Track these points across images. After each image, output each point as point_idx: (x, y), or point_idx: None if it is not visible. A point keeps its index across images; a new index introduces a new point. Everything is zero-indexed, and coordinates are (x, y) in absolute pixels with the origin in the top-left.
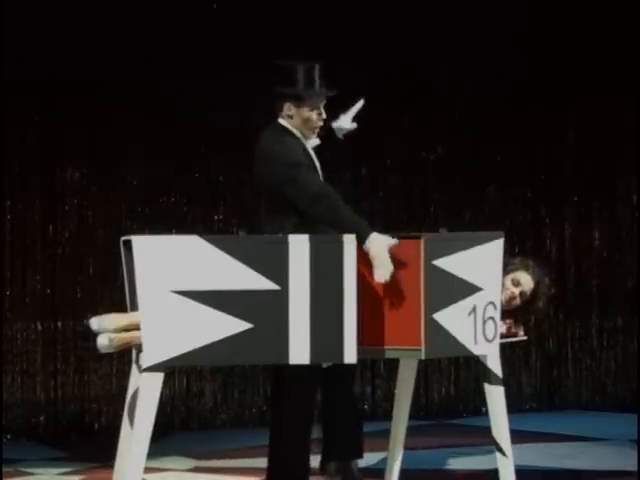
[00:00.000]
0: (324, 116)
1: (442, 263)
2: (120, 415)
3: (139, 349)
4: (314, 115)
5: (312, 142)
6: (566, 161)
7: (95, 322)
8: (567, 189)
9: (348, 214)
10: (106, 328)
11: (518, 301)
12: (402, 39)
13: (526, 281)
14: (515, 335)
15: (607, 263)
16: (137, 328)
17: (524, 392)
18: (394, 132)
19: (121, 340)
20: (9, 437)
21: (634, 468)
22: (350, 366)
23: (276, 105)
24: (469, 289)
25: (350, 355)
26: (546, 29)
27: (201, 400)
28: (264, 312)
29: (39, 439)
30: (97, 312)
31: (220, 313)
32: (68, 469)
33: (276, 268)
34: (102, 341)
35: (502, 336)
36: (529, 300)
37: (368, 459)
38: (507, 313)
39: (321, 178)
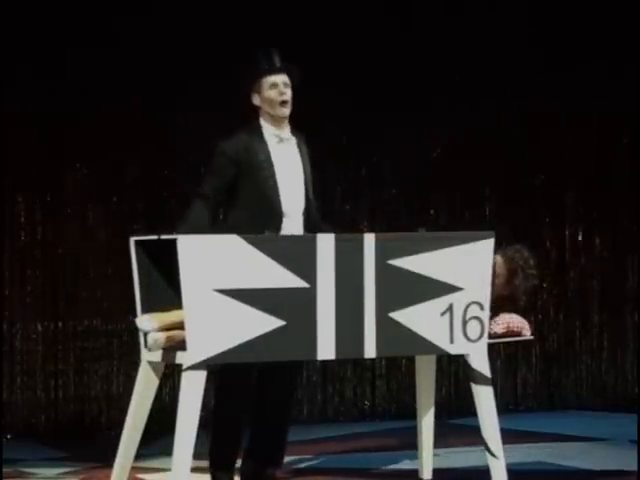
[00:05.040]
0: (283, 90)
1: (403, 263)
2: (120, 415)
3: (180, 347)
4: (273, 93)
5: (281, 133)
6: (566, 161)
7: (143, 321)
8: (567, 189)
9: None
10: (154, 327)
11: (496, 281)
12: (403, 39)
13: (498, 264)
14: (519, 334)
15: (607, 263)
16: (178, 327)
17: (524, 392)
18: (394, 131)
19: (168, 339)
20: (9, 437)
21: (634, 468)
22: (292, 373)
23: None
24: (443, 289)
25: (370, 350)
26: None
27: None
28: (295, 309)
29: (39, 439)
30: (97, 312)
31: (257, 311)
32: (68, 469)
33: (306, 266)
34: (154, 340)
35: (500, 336)
36: (507, 280)
37: (368, 459)
38: (501, 310)
39: (274, 169)
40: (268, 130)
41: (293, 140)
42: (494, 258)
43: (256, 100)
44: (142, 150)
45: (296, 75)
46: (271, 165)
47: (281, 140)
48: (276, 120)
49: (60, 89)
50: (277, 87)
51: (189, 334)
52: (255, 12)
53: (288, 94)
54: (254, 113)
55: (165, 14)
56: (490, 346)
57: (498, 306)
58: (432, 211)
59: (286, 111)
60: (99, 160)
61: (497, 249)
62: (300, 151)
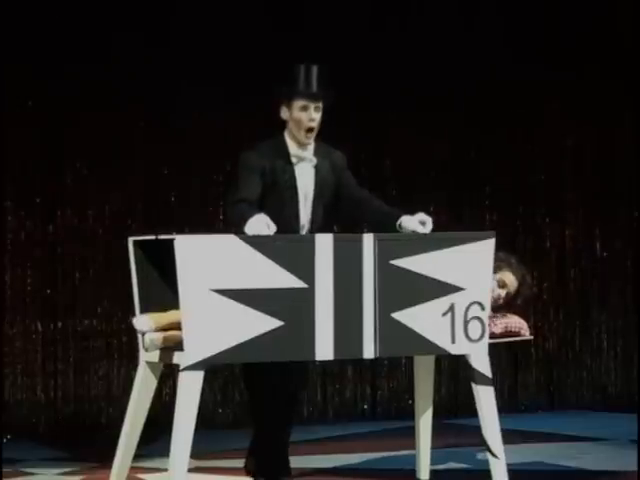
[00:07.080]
0: (313, 117)
1: (403, 263)
2: (120, 415)
3: (178, 348)
4: (303, 116)
5: (302, 153)
6: (566, 161)
7: (139, 322)
8: (567, 189)
9: (239, 211)
10: (151, 327)
11: (503, 300)
12: (402, 39)
13: (511, 282)
14: (518, 334)
15: (607, 263)
16: (175, 327)
17: (524, 392)
18: (394, 132)
19: (165, 339)
20: (9, 437)
21: (634, 468)
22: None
23: (278, 110)
24: (444, 289)
25: (369, 351)
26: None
27: (201, 400)
28: (293, 309)
29: (39, 439)
30: (97, 312)
31: (254, 311)
32: (68, 469)
33: (304, 267)
34: (151, 341)
35: (499, 336)
36: (511, 297)
37: (368, 459)
38: (499, 311)
39: (294, 186)
40: (292, 148)
41: (313, 161)
42: (507, 276)
43: (284, 114)
44: (142, 150)
45: (331, 98)
46: (294, 184)
47: (301, 160)
48: (299, 141)
49: (60, 89)
50: (307, 111)
51: (186, 334)
52: (255, 12)
53: (316, 121)
54: (279, 125)
55: (165, 15)
56: (490, 346)
57: (496, 307)
58: (432, 211)
59: (310, 138)
60: (99, 160)
61: (508, 263)
62: (317, 172)
